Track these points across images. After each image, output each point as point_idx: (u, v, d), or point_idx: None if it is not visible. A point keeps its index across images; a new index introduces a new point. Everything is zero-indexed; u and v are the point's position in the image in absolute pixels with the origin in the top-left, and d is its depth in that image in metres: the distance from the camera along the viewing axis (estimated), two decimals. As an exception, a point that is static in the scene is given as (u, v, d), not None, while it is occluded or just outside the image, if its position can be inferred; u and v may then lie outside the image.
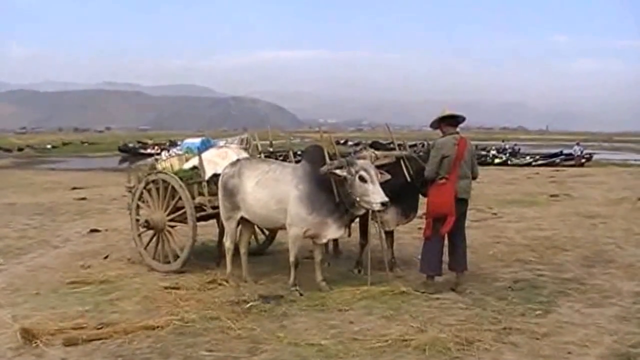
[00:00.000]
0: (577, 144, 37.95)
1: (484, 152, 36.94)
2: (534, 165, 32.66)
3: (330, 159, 6.37)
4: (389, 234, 7.57)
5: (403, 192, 7.03)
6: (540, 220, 11.54)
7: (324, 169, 6.26)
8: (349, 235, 8.13)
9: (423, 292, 6.45)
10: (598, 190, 17.36)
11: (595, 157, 37.33)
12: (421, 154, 7.21)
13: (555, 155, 36.29)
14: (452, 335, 5.12)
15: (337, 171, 6.20)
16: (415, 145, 7.35)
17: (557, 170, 27.65)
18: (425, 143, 7.66)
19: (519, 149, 41.74)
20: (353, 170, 6.18)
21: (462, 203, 6.52)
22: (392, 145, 7.59)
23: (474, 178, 6.75)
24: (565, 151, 37.55)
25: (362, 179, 6.15)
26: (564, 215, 12.12)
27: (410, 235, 9.31)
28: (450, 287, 6.65)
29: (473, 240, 9.26)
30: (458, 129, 6.71)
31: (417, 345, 4.92)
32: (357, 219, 7.06)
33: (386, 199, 6.10)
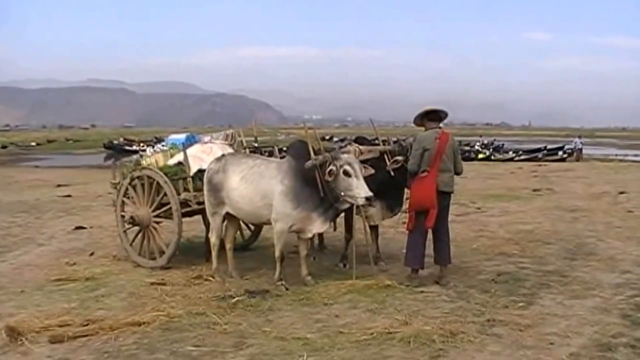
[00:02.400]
0: (579, 137, 36.88)
1: (467, 148, 37.10)
2: (517, 160, 32.88)
3: (315, 154, 6.40)
4: (374, 229, 7.63)
5: (388, 186, 7.08)
6: (522, 214, 11.64)
7: (308, 163, 6.29)
8: (335, 229, 8.18)
9: (407, 286, 6.51)
10: (579, 184, 17.52)
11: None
12: (396, 148, 7.28)
13: (538, 150, 36.46)
14: (437, 327, 5.17)
15: (330, 167, 6.22)
16: (397, 140, 7.50)
17: (540, 165, 27.85)
18: (394, 139, 7.74)
19: (502, 144, 41.88)
20: (337, 165, 6.21)
21: (444, 196, 6.58)
22: (376, 141, 7.65)
23: (458, 173, 6.80)
24: (549, 146, 37.70)
25: (346, 173, 6.18)
26: (546, 209, 12.22)
27: (395, 229, 9.37)
28: (434, 280, 6.71)
29: (457, 234, 9.34)
30: (441, 125, 6.78)
31: (402, 338, 4.97)
32: (342, 214, 7.11)
33: (370, 193, 6.14)
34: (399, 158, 6.99)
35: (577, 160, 33.01)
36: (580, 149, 35.06)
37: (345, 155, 6.40)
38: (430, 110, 6.68)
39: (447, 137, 6.59)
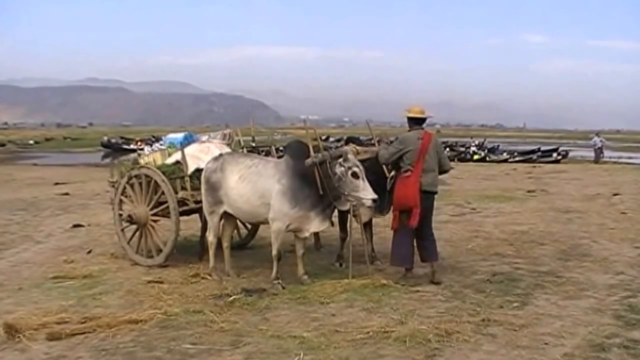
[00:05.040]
0: (597, 135, 34.22)
1: (462, 149, 37.13)
2: (512, 162, 32.90)
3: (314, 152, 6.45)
4: (368, 228, 7.68)
5: (379, 187, 7.10)
6: (517, 215, 11.69)
7: (308, 161, 6.34)
8: (333, 224, 8.21)
9: (403, 285, 6.56)
10: (574, 186, 17.57)
11: (571, 154, 37.54)
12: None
13: (533, 152, 36.51)
14: (432, 327, 5.22)
15: (336, 169, 6.29)
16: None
17: (534, 167, 27.93)
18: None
19: (498, 146, 41.86)
20: (346, 166, 6.28)
21: (428, 196, 6.67)
22: (371, 142, 7.69)
23: (446, 171, 6.97)
24: (543, 148, 37.75)
25: (354, 175, 6.25)
26: (540, 210, 12.28)
27: (390, 229, 9.39)
28: (430, 279, 6.76)
29: (452, 234, 9.41)
30: (424, 126, 6.90)
31: (398, 337, 5.01)
32: (337, 213, 7.16)
33: (375, 195, 6.23)
34: (394, 174, 7.06)
35: (597, 162, 30.95)
36: (600, 148, 32.75)
37: (351, 156, 6.45)
38: (417, 117, 6.81)
39: (429, 138, 6.71)
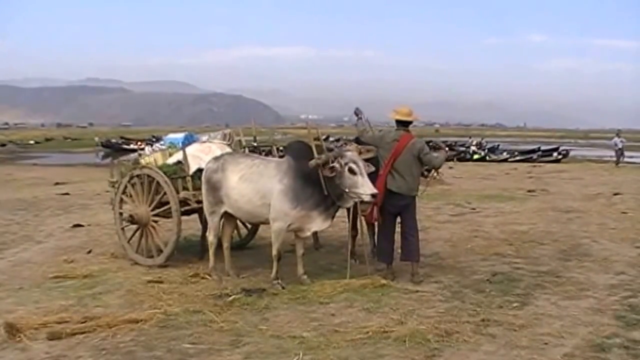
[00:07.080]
0: (617, 135, 31.49)
1: (462, 148, 37.12)
2: (512, 161, 32.85)
3: (317, 153, 6.44)
4: (372, 227, 7.68)
5: None
6: (517, 214, 11.71)
7: (312, 162, 6.32)
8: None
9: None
10: (574, 185, 17.60)
11: (571, 153, 37.49)
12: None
13: (533, 151, 36.45)
14: (432, 327, 5.22)
15: (332, 164, 6.27)
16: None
17: (535, 166, 27.92)
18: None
19: (498, 145, 41.79)
20: (342, 162, 6.26)
21: (398, 197, 6.70)
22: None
23: (434, 167, 7.04)
24: (543, 147, 37.69)
25: (351, 171, 6.23)
26: (540, 210, 12.30)
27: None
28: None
29: (452, 234, 9.42)
30: (409, 129, 6.95)
31: (397, 337, 5.01)
32: (347, 211, 7.19)
33: (375, 190, 6.21)
34: None
35: (617, 163, 29.40)
36: (621, 149, 30.13)
37: (350, 153, 6.44)
38: (401, 120, 6.86)
39: (405, 142, 6.69)
